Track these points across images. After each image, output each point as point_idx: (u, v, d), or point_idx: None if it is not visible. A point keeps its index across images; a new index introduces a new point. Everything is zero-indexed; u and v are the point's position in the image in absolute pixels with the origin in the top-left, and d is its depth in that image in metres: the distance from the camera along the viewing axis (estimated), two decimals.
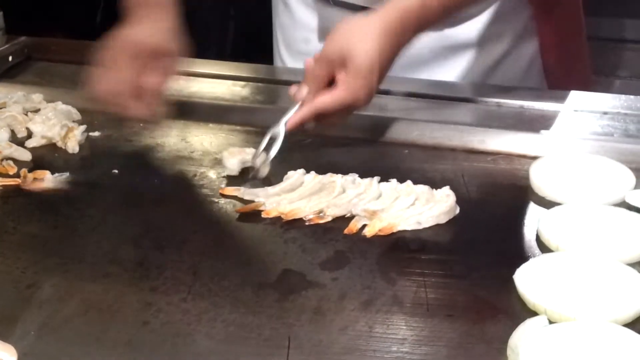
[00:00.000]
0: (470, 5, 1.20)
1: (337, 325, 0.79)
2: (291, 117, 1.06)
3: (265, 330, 0.78)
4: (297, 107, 1.07)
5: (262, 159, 1.05)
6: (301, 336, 0.78)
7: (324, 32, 1.32)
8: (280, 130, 1.06)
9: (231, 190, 1.02)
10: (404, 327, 0.79)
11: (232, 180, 1.06)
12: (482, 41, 1.30)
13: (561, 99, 1.28)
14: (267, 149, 1.06)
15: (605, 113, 1.23)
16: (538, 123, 1.20)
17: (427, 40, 1.23)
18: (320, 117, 1.06)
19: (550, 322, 0.78)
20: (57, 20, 2.34)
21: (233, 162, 1.06)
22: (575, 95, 1.29)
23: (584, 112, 1.24)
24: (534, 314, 0.80)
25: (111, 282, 0.86)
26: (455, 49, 1.30)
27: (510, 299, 0.83)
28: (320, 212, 0.98)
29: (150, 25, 1.11)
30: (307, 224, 0.97)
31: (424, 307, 0.82)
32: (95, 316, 0.80)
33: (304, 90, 1.06)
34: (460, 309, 0.82)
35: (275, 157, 1.06)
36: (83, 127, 1.16)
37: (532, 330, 0.76)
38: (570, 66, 1.37)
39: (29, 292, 0.84)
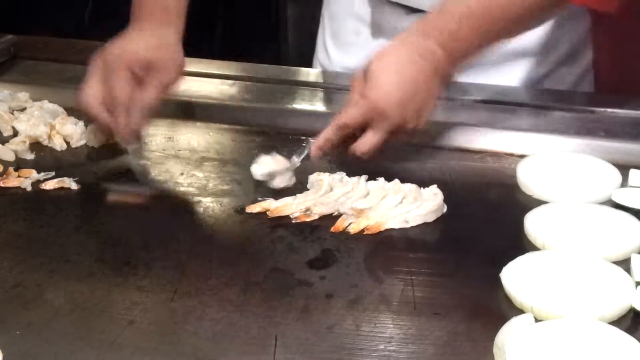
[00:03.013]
0: (511, 27, 1.09)
1: (324, 324, 0.79)
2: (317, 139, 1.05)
3: (252, 329, 0.78)
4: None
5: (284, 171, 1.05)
6: (288, 335, 0.78)
7: (376, 26, 1.32)
8: (306, 149, 1.06)
9: (258, 207, 0.99)
10: (391, 326, 0.79)
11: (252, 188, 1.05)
12: (537, 50, 1.28)
13: (548, 98, 1.28)
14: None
15: (592, 112, 1.23)
16: (525, 122, 1.20)
17: None
18: (347, 132, 1.03)
19: (537, 320, 0.78)
20: (45, 20, 2.33)
21: (262, 172, 1.05)
22: (562, 94, 1.29)
23: (570, 110, 1.24)
24: (520, 312, 0.80)
25: (97, 281, 0.85)
26: (511, 56, 1.28)
27: (496, 297, 0.83)
28: (307, 210, 0.98)
29: (150, 36, 1.08)
30: (293, 222, 0.97)
31: (411, 305, 0.82)
32: (81, 315, 0.80)
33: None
34: (447, 308, 0.82)
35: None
36: (74, 119, 1.15)
37: (519, 328, 0.76)
38: (625, 82, 1.35)
39: (15, 291, 0.83)
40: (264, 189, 1.03)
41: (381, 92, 1.00)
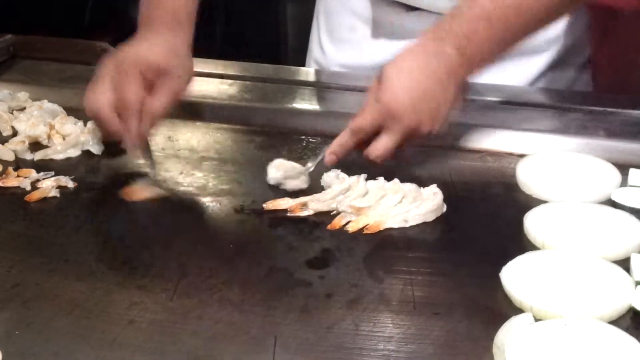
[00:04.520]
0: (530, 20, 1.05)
1: (324, 324, 0.79)
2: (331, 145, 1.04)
3: (251, 329, 0.78)
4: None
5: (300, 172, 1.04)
6: (287, 334, 0.78)
7: (374, 24, 1.32)
8: (320, 154, 1.05)
9: (275, 204, 1.00)
10: (391, 325, 0.79)
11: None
12: (533, 49, 1.28)
13: (547, 97, 1.28)
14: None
15: (591, 111, 1.23)
16: (525, 121, 1.20)
17: None
18: (361, 137, 1.02)
19: (536, 320, 0.78)
20: (45, 19, 2.33)
21: (277, 175, 1.04)
22: (561, 94, 1.29)
23: (570, 110, 1.24)
24: (519, 311, 0.80)
25: (97, 280, 0.85)
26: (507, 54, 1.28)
27: (496, 297, 0.83)
28: (304, 205, 0.98)
29: (162, 42, 1.07)
30: (288, 214, 0.97)
31: (410, 305, 0.82)
32: (81, 315, 0.80)
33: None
34: (446, 307, 0.82)
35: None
36: (73, 119, 1.15)
37: (518, 327, 0.76)
38: (621, 81, 1.34)
39: (14, 291, 0.83)
40: (262, 188, 1.03)
41: (393, 95, 1.00)
